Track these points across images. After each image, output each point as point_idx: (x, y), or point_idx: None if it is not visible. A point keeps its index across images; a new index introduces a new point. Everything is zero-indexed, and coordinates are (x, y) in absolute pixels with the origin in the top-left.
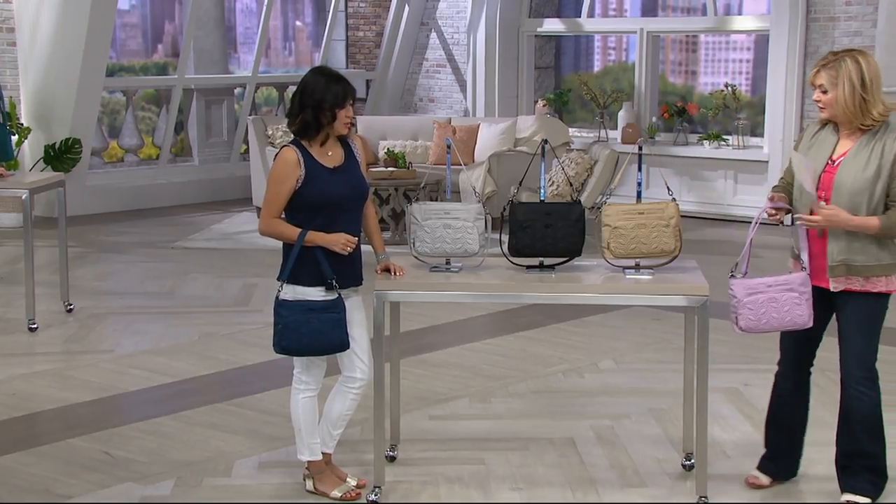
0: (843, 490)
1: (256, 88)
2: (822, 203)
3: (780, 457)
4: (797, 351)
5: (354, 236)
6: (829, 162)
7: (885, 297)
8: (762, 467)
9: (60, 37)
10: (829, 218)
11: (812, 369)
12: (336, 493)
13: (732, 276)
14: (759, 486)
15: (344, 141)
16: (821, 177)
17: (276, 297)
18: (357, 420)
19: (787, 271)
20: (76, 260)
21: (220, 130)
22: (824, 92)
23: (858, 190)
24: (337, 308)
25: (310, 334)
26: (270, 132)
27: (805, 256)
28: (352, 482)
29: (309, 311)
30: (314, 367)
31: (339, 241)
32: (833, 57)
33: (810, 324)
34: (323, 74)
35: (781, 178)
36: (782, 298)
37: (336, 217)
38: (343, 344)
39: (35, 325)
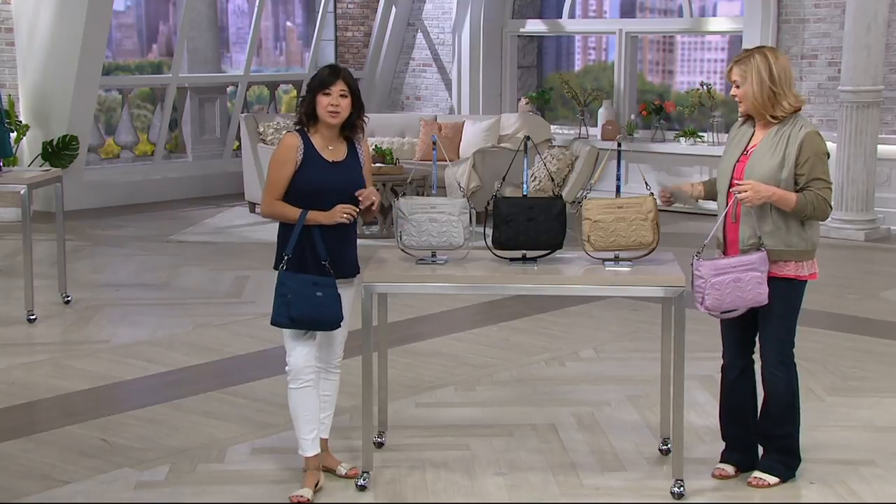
0: (756, 468)
1: (248, 87)
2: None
3: (739, 446)
4: (738, 339)
5: (350, 229)
6: (744, 152)
7: (797, 283)
8: (725, 459)
9: (58, 37)
10: (755, 187)
11: (754, 356)
12: (293, 493)
13: (697, 257)
14: (726, 477)
15: (350, 140)
16: (735, 166)
17: (281, 270)
18: (346, 408)
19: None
20: (74, 253)
21: (213, 128)
22: (738, 86)
23: (765, 176)
24: (335, 287)
25: (315, 306)
26: (262, 129)
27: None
28: (343, 470)
29: (314, 285)
30: (301, 349)
31: (337, 212)
32: (745, 54)
33: (766, 301)
34: (322, 67)
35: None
36: (746, 278)
37: (326, 209)
38: (338, 321)
39: (34, 317)
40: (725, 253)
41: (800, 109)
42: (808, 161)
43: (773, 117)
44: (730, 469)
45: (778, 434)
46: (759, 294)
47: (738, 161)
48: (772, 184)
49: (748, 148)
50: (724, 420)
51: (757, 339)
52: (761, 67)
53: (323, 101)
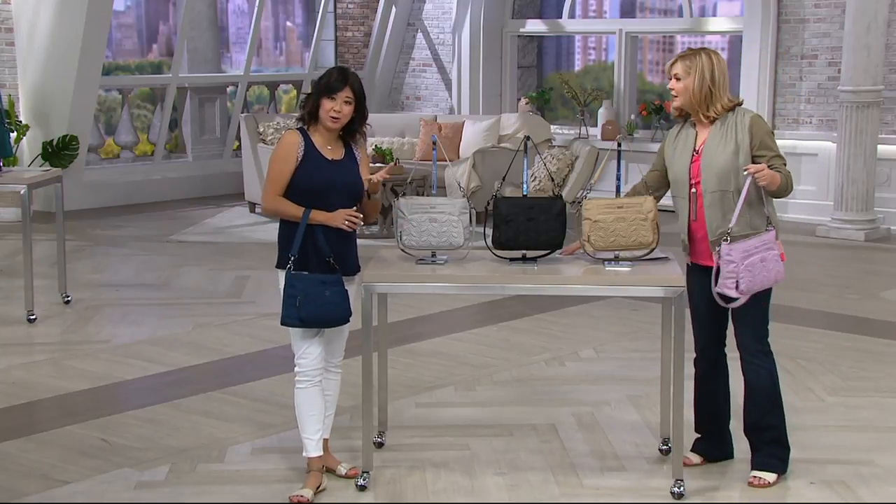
0: (752, 467)
1: (248, 87)
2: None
3: (709, 437)
4: (708, 333)
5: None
6: (694, 152)
7: None
8: (694, 448)
9: (58, 37)
10: (766, 168)
11: (725, 349)
12: (294, 492)
13: (727, 240)
14: (690, 465)
15: (347, 143)
16: (690, 167)
17: (288, 272)
18: (346, 408)
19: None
20: (74, 253)
21: (213, 128)
22: (678, 80)
23: (722, 167)
24: (342, 283)
25: (325, 305)
26: (262, 129)
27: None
28: (343, 470)
29: (322, 284)
30: (312, 349)
31: (340, 217)
32: (691, 52)
33: (783, 277)
34: (329, 69)
35: (651, 170)
36: (769, 257)
37: (325, 207)
38: (346, 317)
39: (34, 317)
40: (691, 252)
41: (734, 107)
42: (762, 142)
43: (705, 116)
44: (695, 458)
45: (765, 426)
46: (779, 273)
47: (691, 162)
48: (731, 171)
49: (697, 147)
50: (695, 411)
51: (727, 331)
52: (705, 66)
53: (326, 106)
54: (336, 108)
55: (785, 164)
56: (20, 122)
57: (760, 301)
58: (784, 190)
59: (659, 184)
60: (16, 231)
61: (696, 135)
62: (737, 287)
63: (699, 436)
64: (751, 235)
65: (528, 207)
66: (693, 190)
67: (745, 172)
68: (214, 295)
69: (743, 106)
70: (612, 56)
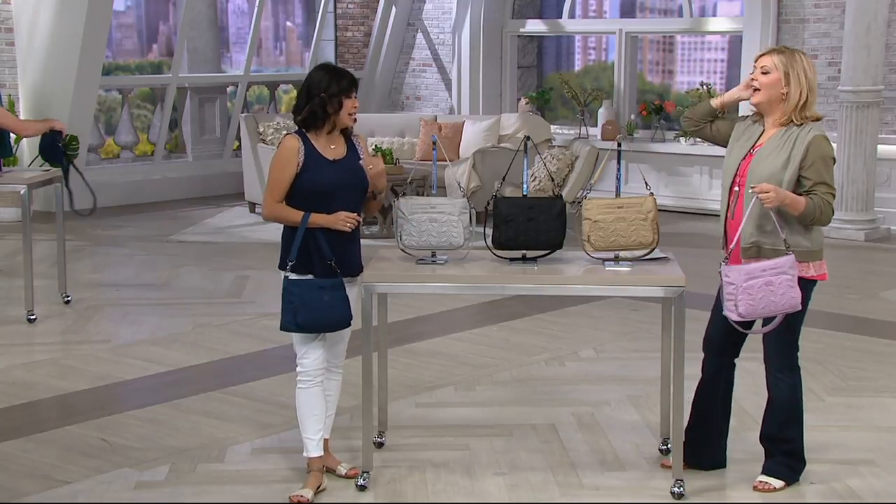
0: (762, 471)
1: (248, 87)
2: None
3: (699, 446)
4: (721, 338)
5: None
6: (750, 151)
7: (802, 283)
8: (688, 461)
9: (58, 37)
10: (776, 189)
11: (736, 360)
12: (294, 492)
13: (725, 262)
14: (667, 467)
15: (348, 137)
16: (740, 165)
17: (285, 279)
18: (346, 408)
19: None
20: (74, 253)
21: (213, 128)
22: (765, 73)
23: (767, 176)
24: (342, 287)
25: (323, 309)
26: (262, 129)
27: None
28: (343, 470)
29: (320, 289)
30: (314, 350)
31: (340, 219)
32: (785, 48)
33: (800, 306)
34: (329, 68)
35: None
36: (777, 282)
37: (332, 208)
38: (346, 321)
39: (34, 317)
40: (727, 249)
41: (807, 121)
42: (813, 164)
43: (794, 118)
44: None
45: (783, 438)
46: (792, 299)
47: (743, 159)
48: (774, 182)
49: (754, 147)
50: (690, 417)
51: (745, 341)
52: (807, 68)
53: (348, 105)
54: (354, 105)
55: (832, 195)
56: None
57: (789, 318)
58: (811, 219)
59: (705, 122)
60: (16, 231)
61: (762, 134)
62: (735, 309)
63: (690, 447)
64: (761, 257)
65: (528, 207)
66: (736, 188)
67: (752, 191)
68: (214, 295)
69: (818, 123)
70: (612, 56)
